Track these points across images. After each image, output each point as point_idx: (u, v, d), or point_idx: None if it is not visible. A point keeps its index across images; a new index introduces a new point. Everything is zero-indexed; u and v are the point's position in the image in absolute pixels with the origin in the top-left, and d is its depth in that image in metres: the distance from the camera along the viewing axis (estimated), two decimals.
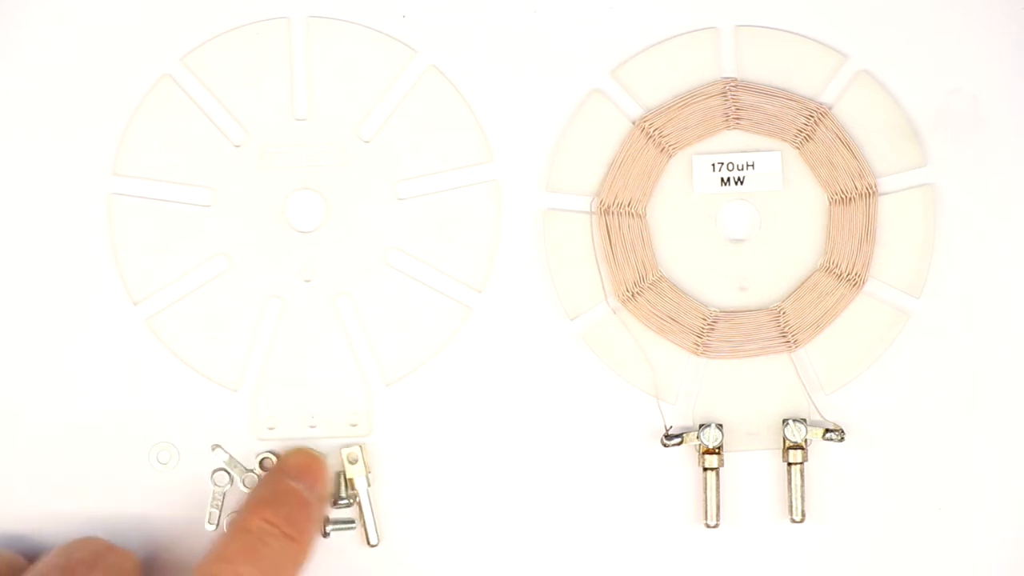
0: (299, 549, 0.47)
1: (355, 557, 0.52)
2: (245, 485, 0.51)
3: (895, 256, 0.52)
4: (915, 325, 0.52)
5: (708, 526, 0.51)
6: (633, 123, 0.53)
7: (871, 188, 0.52)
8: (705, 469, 0.51)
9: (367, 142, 0.53)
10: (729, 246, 0.53)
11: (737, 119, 0.52)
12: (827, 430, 0.51)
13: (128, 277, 0.52)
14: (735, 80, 0.53)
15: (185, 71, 0.53)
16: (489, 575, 0.52)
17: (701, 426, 0.51)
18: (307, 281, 0.52)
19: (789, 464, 0.51)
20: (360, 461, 0.51)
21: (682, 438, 0.51)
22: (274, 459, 0.51)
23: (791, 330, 0.52)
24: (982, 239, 0.52)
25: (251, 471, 0.52)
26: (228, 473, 0.52)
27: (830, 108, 0.52)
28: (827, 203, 0.52)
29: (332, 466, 0.51)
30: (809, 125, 0.52)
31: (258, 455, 0.52)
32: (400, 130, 0.53)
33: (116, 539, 0.51)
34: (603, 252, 0.52)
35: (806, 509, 0.51)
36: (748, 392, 0.52)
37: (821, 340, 0.52)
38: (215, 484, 0.52)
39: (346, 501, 0.51)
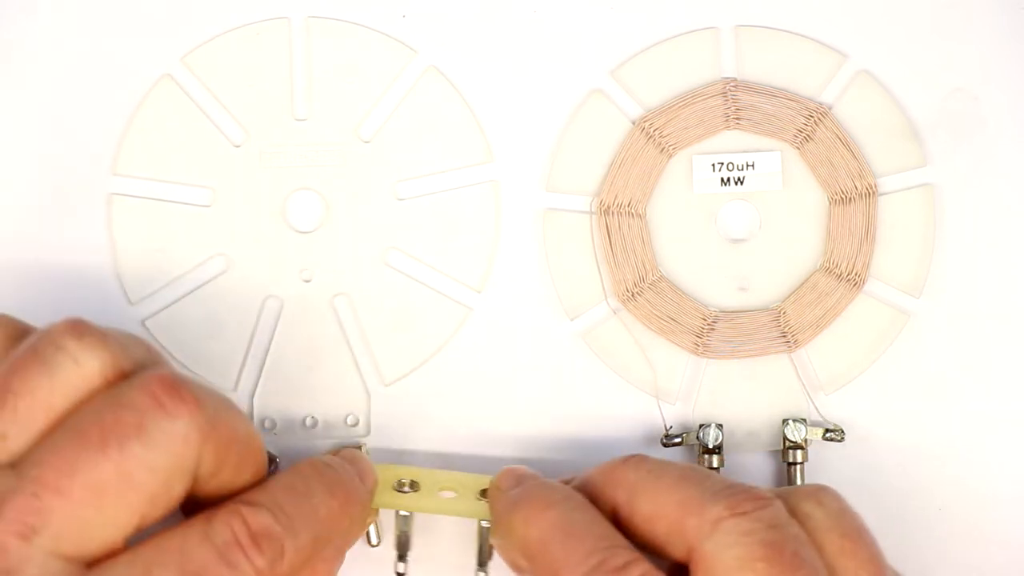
0: (343, 515, 0.44)
1: (355, 557, 0.51)
2: None
3: (895, 256, 0.52)
4: (915, 325, 0.52)
5: None
6: (633, 123, 0.53)
7: (871, 188, 0.52)
8: None
9: (367, 142, 0.53)
10: (729, 246, 0.53)
11: (737, 119, 0.52)
12: (827, 430, 0.51)
13: (127, 277, 0.52)
14: (735, 80, 0.53)
15: (185, 71, 0.53)
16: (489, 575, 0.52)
17: (701, 426, 0.51)
18: (307, 281, 0.52)
19: (789, 464, 0.51)
20: None
21: (682, 438, 0.51)
22: (277, 459, 0.51)
23: (791, 330, 0.52)
24: (982, 239, 0.52)
25: None
26: None
27: (830, 108, 0.53)
28: (827, 203, 0.52)
29: None
30: (809, 125, 0.52)
31: None
32: (400, 130, 0.53)
33: None
34: (603, 252, 0.52)
35: None
36: (748, 392, 0.52)
37: (821, 340, 0.52)
38: None
39: None
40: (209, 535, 0.39)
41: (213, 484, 0.41)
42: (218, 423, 0.40)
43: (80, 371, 0.39)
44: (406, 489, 0.48)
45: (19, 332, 0.42)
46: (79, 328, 0.39)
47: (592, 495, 0.45)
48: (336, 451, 0.49)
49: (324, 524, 0.43)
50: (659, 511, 0.42)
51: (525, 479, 0.46)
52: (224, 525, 0.40)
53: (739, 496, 0.41)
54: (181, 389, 0.39)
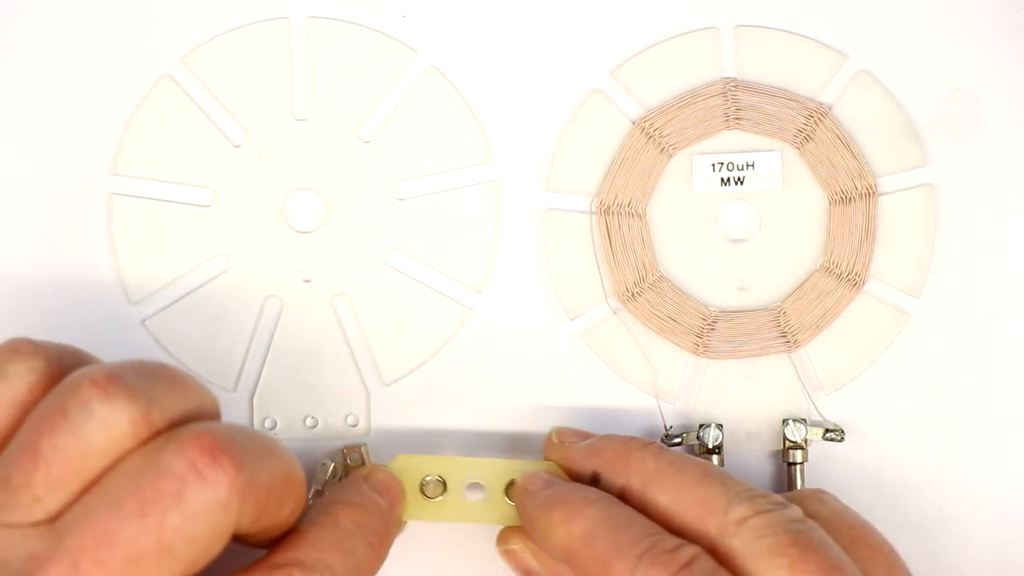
0: (376, 560, 0.45)
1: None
2: None
3: (895, 256, 0.52)
4: (915, 325, 0.52)
5: None
6: (633, 123, 0.53)
7: (871, 188, 0.52)
8: None
9: (367, 142, 0.53)
10: (729, 246, 0.53)
11: (737, 119, 0.52)
12: (827, 430, 0.51)
13: (127, 277, 0.52)
14: (735, 80, 0.53)
15: (185, 71, 0.53)
16: (489, 575, 0.52)
17: (701, 426, 0.51)
18: (307, 281, 0.52)
19: (789, 464, 0.51)
20: (364, 462, 0.51)
21: (682, 438, 0.51)
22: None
23: (791, 330, 0.52)
24: (982, 239, 0.52)
25: None
26: None
27: (830, 108, 0.53)
28: (827, 203, 0.52)
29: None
30: (809, 125, 0.52)
31: None
32: (400, 130, 0.53)
33: None
34: (603, 252, 0.52)
35: None
36: (748, 392, 0.52)
37: (821, 340, 0.52)
38: None
39: None
40: None
41: (254, 527, 0.40)
42: (257, 479, 0.39)
43: (111, 434, 0.38)
44: (431, 491, 0.48)
45: (60, 363, 0.40)
46: (108, 389, 0.38)
47: (602, 468, 0.46)
48: (368, 473, 0.48)
49: (364, 574, 0.44)
50: (678, 506, 0.43)
51: (553, 482, 0.47)
52: None
53: (760, 499, 0.42)
54: (218, 454, 0.38)
